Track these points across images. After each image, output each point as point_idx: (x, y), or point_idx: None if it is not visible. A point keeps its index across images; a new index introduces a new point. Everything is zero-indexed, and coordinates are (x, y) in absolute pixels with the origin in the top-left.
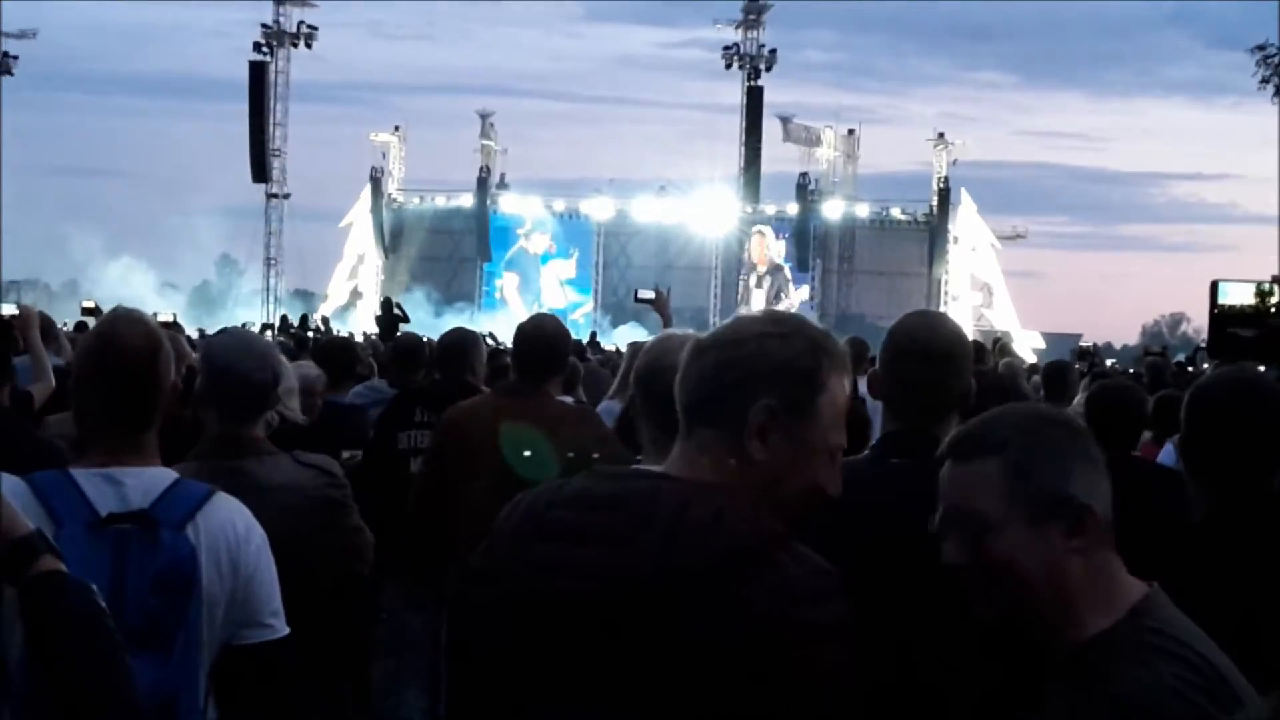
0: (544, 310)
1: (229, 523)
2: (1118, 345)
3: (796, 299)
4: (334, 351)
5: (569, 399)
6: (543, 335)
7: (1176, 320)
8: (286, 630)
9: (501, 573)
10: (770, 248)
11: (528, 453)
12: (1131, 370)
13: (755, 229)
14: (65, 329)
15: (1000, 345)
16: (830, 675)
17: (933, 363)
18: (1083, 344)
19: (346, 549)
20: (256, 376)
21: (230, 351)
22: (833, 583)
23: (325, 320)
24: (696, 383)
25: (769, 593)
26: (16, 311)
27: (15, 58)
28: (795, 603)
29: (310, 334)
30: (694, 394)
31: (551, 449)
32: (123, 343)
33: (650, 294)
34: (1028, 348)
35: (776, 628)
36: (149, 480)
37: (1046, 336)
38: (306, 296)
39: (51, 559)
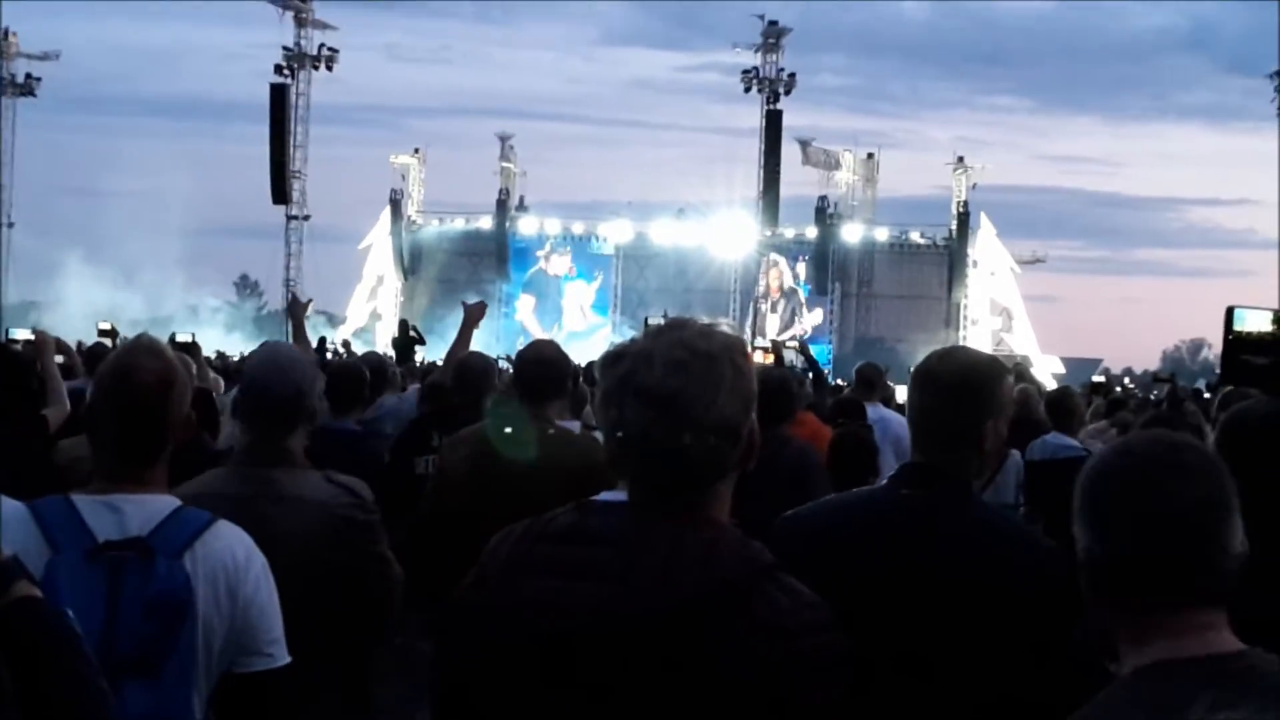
0: (563, 332)
1: (228, 551)
2: (1138, 370)
3: (809, 323)
4: (343, 377)
5: (575, 424)
6: (542, 360)
7: (1197, 345)
8: (287, 659)
9: (491, 608)
10: (784, 275)
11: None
12: (1152, 396)
13: (769, 257)
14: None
15: (1017, 370)
16: (827, 706)
17: (942, 396)
18: (1096, 376)
19: (365, 574)
20: (278, 390)
21: (258, 365)
22: (824, 615)
23: (347, 344)
24: None
25: (762, 628)
26: (32, 336)
27: (38, 79)
28: (789, 636)
29: (329, 356)
30: None
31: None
32: (137, 378)
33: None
34: (1047, 373)
35: (771, 662)
36: (150, 508)
37: (1066, 361)
38: (326, 318)
39: (26, 585)
